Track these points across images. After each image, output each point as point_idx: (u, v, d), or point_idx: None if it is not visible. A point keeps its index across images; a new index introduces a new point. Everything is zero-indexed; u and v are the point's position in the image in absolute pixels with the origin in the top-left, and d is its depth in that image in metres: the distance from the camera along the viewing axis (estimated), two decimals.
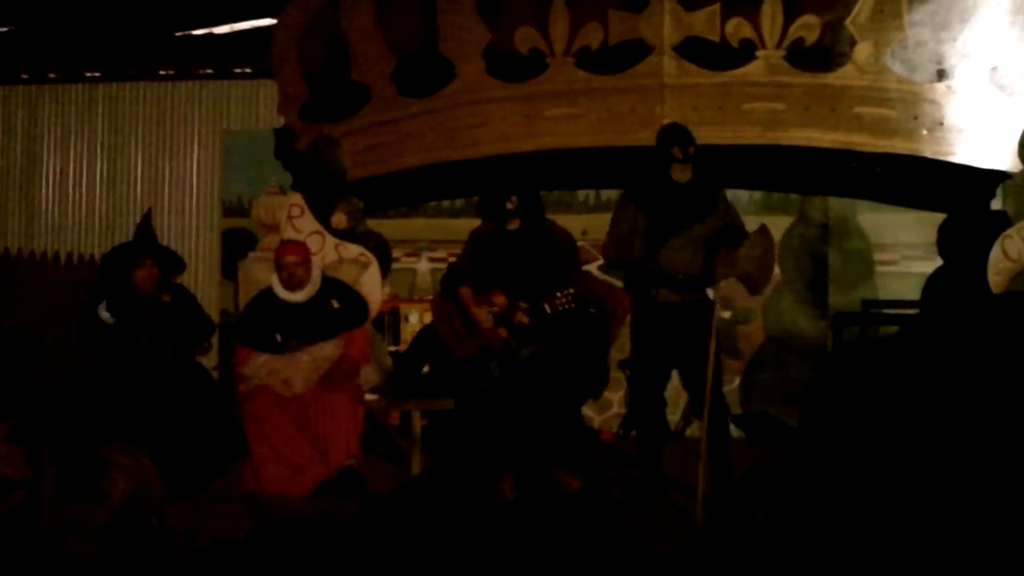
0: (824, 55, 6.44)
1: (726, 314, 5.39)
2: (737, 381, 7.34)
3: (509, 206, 5.62)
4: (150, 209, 6.69)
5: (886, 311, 7.01)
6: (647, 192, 5.30)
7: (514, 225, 5.64)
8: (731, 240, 5.11)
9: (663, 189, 5.23)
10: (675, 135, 5.26)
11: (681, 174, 5.21)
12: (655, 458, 5.31)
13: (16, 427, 5.04)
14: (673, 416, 6.97)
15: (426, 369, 6.56)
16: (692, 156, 5.19)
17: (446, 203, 7.82)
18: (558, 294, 5.40)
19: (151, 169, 8.55)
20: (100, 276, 5.95)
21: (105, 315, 5.49)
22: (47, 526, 1.77)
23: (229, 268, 7.67)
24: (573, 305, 5.41)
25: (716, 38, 6.51)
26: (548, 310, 5.41)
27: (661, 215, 5.20)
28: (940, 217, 6.47)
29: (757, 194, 7.34)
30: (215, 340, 7.60)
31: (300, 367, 5.56)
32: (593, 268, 7.46)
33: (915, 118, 6.33)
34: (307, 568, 2.80)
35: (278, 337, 5.64)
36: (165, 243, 7.05)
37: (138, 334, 5.52)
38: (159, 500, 1.90)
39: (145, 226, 6.05)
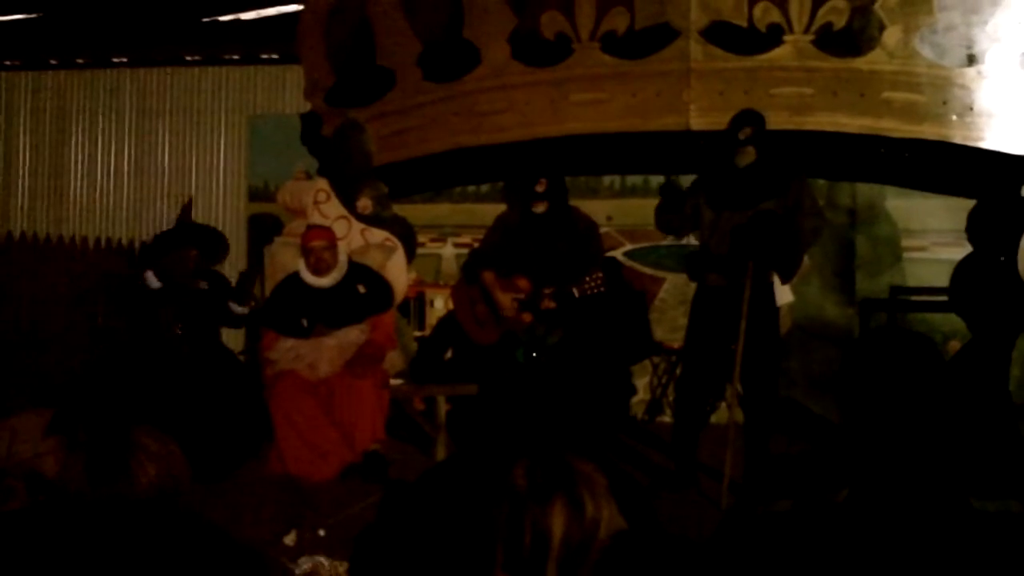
0: (853, 39, 6.36)
1: (788, 299, 5.34)
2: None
3: (539, 188, 5.61)
4: (191, 200, 6.77)
5: (914, 298, 6.97)
6: (709, 175, 5.31)
7: (541, 208, 5.62)
8: (763, 227, 5.07)
9: (723, 172, 5.23)
10: (737, 118, 5.26)
11: (741, 157, 5.20)
12: (691, 445, 5.29)
13: (57, 417, 5.12)
14: None
15: (449, 354, 6.57)
16: (750, 139, 5.17)
17: (471, 188, 7.83)
18: (586, 278, 5.39)
19: (178, 154, 8.60)
20: (145, 250, 6.05)
21: (152, 281, 5.58)
22: (74, 511, 1.78)
23: (255, 253, 7.71)
24: (603, 289, 5.40)
25: (743, 22, 6.45)
26: (576, 294, 5.40)
27: (716, 197, 5.20)
28: (969, 203, 6.41)
29: None
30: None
31: (326, 351, 5.58)
32: (618, 254, 7.45)
33: (944, 103, 6.26)
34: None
35: (304, 322, 5.66)
36: None
37: (173, 320, 5.60)
38: (187, 487, 1.91)
39: (186, 216, 6.15)
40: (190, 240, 5.82)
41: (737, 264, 5.11)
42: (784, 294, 5.29)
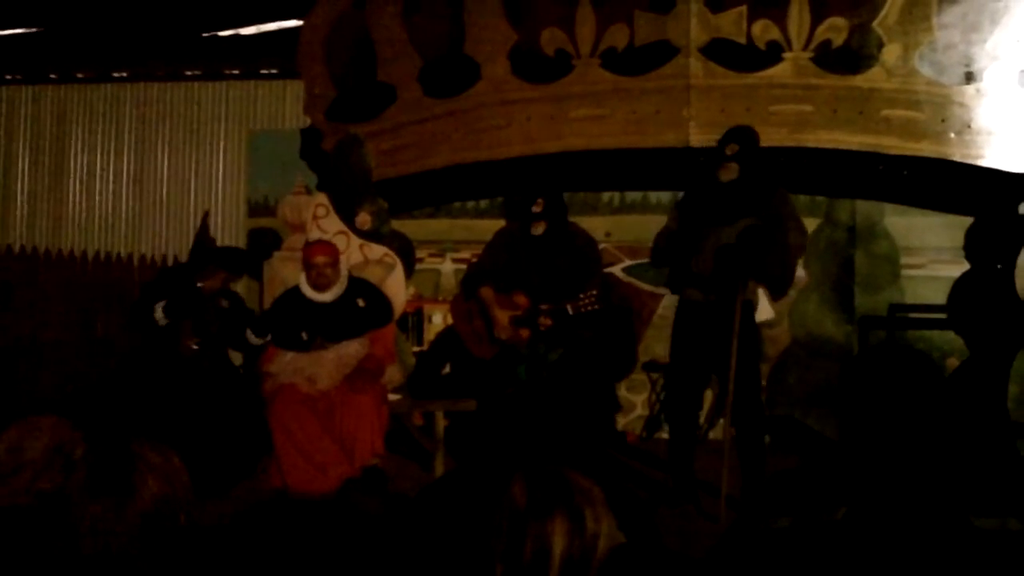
0: (852, 57, 6.39)
1: (767, 316, 5.30)
2: (762, 384, 7.32)
3: (535, 209, 5.58)
4: (207, 215, 6.75)
5: (913, 315, 6.97)
6: (692, 191, 5.30)
7: (539, 229, 5.60)
8: (752, 243, 5.01)
9: (706, 188, 5.20)
10: (728, 133, 5.24)
11: (724, 173, 5.15)
12: (687, 461, 5.26)
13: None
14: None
15: (447, 370, 6.57)
16: (735, 156, 5.11)
17: (471, 204, 7.83)
18: (581, 296, 5.38)
19: (177, 169, 8.61)
20: (162, 274, 6.01)
21: (160, 316, 5.56)
22: (77, 523, 1.78)
23: (255, 267, 7.71)
24: (597, 307, 5.38)
25: (743, 40, 6.48)
26: (571, 311, 5.39)
27: (697, 214, 5.17)
28: (968, 221, 6.44)
29: None
30: None
31: (325, 364, 5.57)
32: (617, 270, 7.46)
33: (943, 121, 6.29)
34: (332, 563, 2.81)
35: (304, 335, 5.66)
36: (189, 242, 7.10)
37: (192, 335, 5.60)
38: (188, 499, 1.91)
39: (205, 236, 6.12)
40: (219, 262, 5.82)
41: (724, 282, 5.03)
42: (764, 311, 5.25)
